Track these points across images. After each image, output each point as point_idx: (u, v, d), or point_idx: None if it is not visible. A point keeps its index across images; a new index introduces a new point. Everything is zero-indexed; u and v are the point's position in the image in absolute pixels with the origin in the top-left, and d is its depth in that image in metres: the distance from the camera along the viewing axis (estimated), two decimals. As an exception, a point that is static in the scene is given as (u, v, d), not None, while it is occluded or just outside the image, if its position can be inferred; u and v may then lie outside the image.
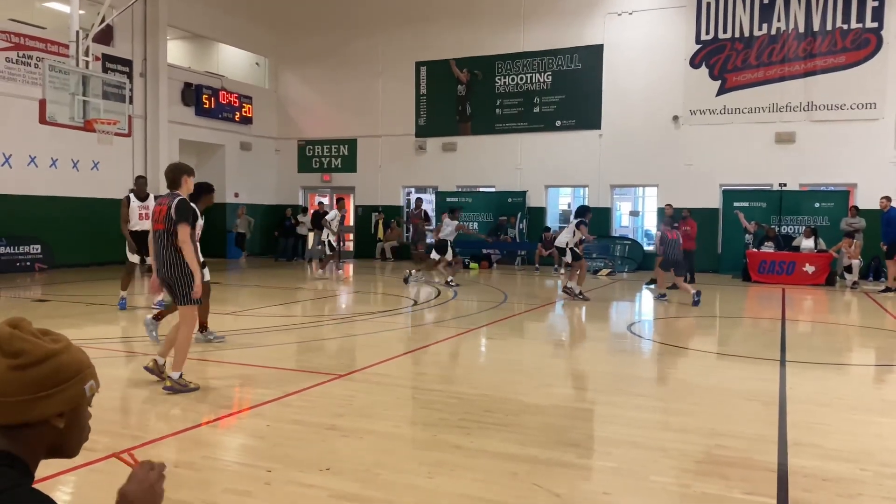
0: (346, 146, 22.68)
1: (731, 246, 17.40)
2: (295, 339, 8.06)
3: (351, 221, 21.82)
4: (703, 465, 3.93)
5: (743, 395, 5.51)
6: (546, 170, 19.89)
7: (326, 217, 15.66)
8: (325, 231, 15.23)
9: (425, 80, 21.35)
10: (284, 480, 3.62)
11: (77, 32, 11.59)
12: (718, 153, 17.97)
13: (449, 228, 14.02)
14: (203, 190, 6.99)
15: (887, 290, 13.50)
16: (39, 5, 17.68)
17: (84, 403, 1.44)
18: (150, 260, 6.05)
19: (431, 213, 20.29)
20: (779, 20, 17.48)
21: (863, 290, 13.98)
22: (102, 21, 12.52)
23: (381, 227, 21.86)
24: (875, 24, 16.65)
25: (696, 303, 11.15)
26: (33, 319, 1.40)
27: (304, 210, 22.11)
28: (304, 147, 23.32)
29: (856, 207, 15.86)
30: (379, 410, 4.99)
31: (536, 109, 19.98)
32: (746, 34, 17.78)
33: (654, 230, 17.44)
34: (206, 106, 20.58)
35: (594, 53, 19.19)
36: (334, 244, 15.28)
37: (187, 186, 5.67)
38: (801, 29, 17.29)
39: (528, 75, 20.04)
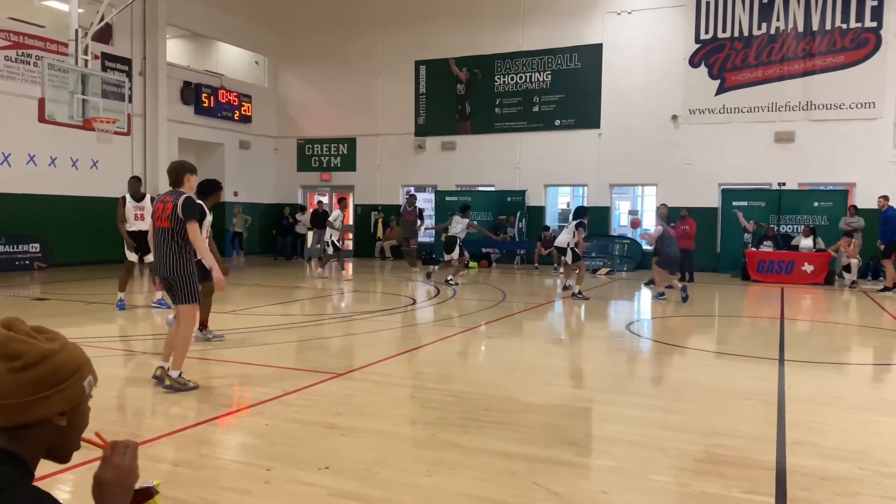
0: (346, 145, 22.67)
1: (730, 245, 17.41)
2: (294, 338, 8.05)
3: (350, 220, 21.82)
4: (702, 464, 3.93)
5: (742, 395, 5.51)
6: (545, 169, 19.89)
7: (330, 218, 15.62)
8: (329, 231, 15.19)
9: (425, 80, 21.34)
10: (284, 479, 3.62)
11: (76, 31, 11.59)
12: (717, 152, 17.98)
13: (459, 227, 13.99)
14: (212, 187, 6.99)
15: (886, 289, 13.51)
16: (39, 4, 17.66)
17: (84, 400, 1.44)
18: (148, 258, 6.04)
19: (430, 212, 20.26)
20: (778, 20, 17.49)
21: (861, 290, 13.99)
22: (102, 19, 12.52)
23: (380, 225, 21.86)
24: (874, 24, 16.67)
25: (684, 298, 11.58)
26: (32, 318, 1.41)
27: (303, 209, 22.10)
28: (303, 146, 23.31)
29: (854, 207, 15.88)
30: (378, 409, 4.99)
31: (536, 108, 19.98)
32: (746, 33, 17.79)
33: (651, 229, 17.37)
34: (206, 105, 20.58)
35: (593, 53, 19.19)
36: (338, 244, 15.25)
37: (190, 184, 5.62)
38: (801, 28, 17.30)
39: (528, 74, 20.03)
